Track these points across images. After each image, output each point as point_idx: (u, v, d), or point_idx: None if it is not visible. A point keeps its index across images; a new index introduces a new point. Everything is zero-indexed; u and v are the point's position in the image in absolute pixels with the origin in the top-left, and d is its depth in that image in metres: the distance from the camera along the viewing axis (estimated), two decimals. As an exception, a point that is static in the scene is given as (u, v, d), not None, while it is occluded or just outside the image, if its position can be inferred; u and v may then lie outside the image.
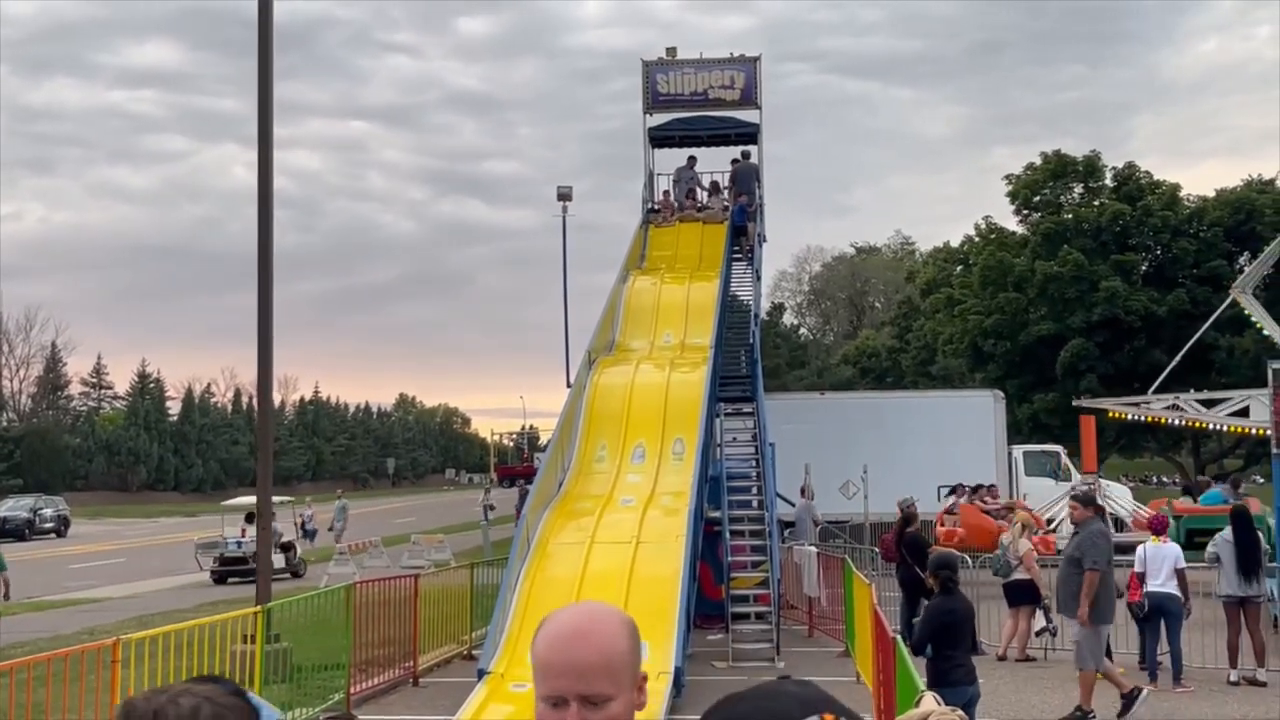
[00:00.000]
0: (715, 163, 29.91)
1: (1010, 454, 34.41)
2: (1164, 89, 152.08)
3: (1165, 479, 78.59)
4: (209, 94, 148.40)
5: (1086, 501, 13.40)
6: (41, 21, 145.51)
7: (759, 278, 27.51)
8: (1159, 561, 15.00)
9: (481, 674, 13.53)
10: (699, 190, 29.28)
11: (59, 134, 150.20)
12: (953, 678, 9.16)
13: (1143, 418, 28.01)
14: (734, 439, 22.13)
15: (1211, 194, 53.25)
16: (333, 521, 42.00)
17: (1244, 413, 25.74)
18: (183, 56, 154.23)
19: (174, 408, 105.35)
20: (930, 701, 6.50)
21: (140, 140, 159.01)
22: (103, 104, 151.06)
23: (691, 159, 29.65)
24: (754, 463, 21.14)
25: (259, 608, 12.72)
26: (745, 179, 28.54)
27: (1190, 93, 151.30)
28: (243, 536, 31.09)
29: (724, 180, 29.33)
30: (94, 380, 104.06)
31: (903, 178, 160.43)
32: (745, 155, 29.36)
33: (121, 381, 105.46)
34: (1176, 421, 28.03)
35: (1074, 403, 31.29)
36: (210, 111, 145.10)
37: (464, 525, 51.36)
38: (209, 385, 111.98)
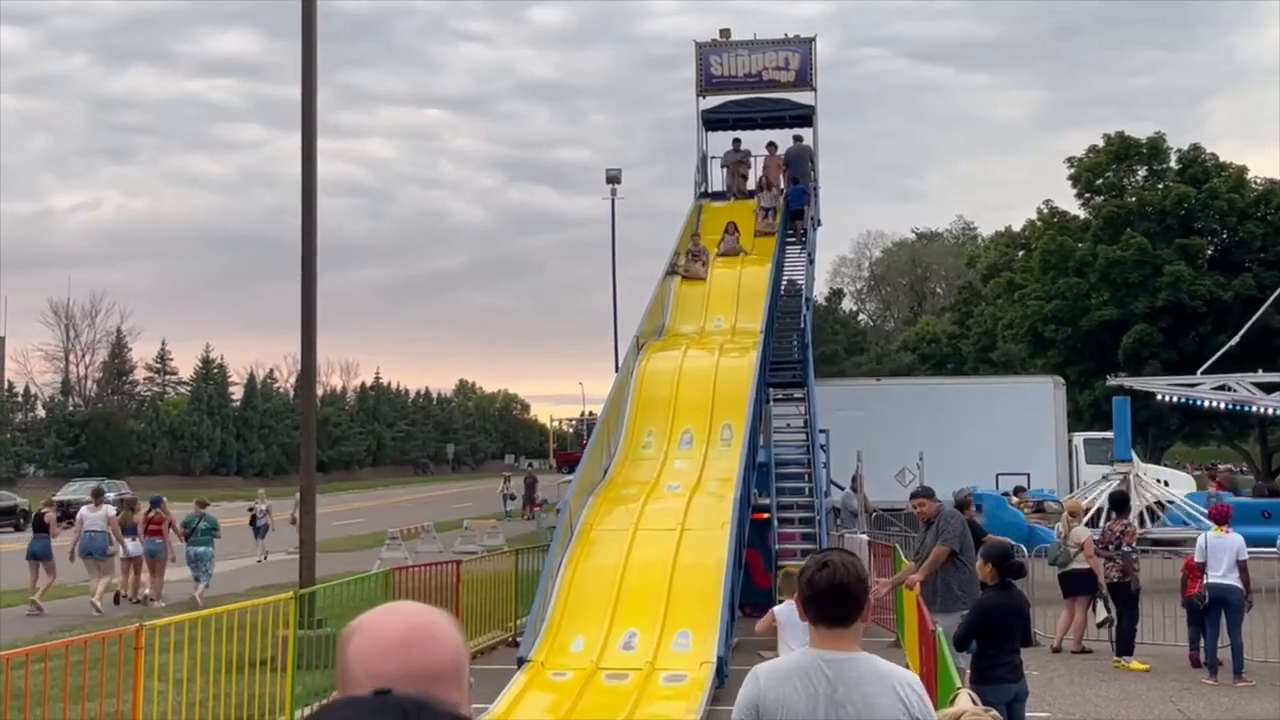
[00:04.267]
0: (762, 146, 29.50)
1: (1071, 441, 33.81)
2: (1240, 73, 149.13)
3: (1233, 467, 77.25)
4: (287, 83, 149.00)
5: (929, 495, 12.97)
6: (123, 12, 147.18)
7: (812, 261, 27.16)
8: (1220, 552, 14.57)
9: (521, 662, 13.37)
10: (749, 174, 28.93)
11: (138, 123, 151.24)
12: (994, 675, 8.81)
13: (1198, 401, 26.92)
14: (786, 425, 21.85)
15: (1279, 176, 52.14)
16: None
17: None
18: (262, 46, 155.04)
19: (237, 393, 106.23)
20: (965, 700, 6.22)
21: (217, 129, 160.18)
22: (181, 93, 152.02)
23: (736, 141, 29.28)
24: (805, 449, 20.87)
25: (293, 593, 12.61)
26: (799, 162, 28.14)
27: (1267, 76, 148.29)
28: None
29: (758, 170, 28.88)
30: (158, 366, 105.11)
31: (972, 162, 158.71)
32: (798, 139, 28.95)
33: (185, 367, 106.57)
34: (1226, 405, 26.98)
35: (1109, 381, 29.78)
36: (286, 100, 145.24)
37: (517, 510, 51.37)
38: (271, 371, 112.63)
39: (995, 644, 8.86)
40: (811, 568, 4.14)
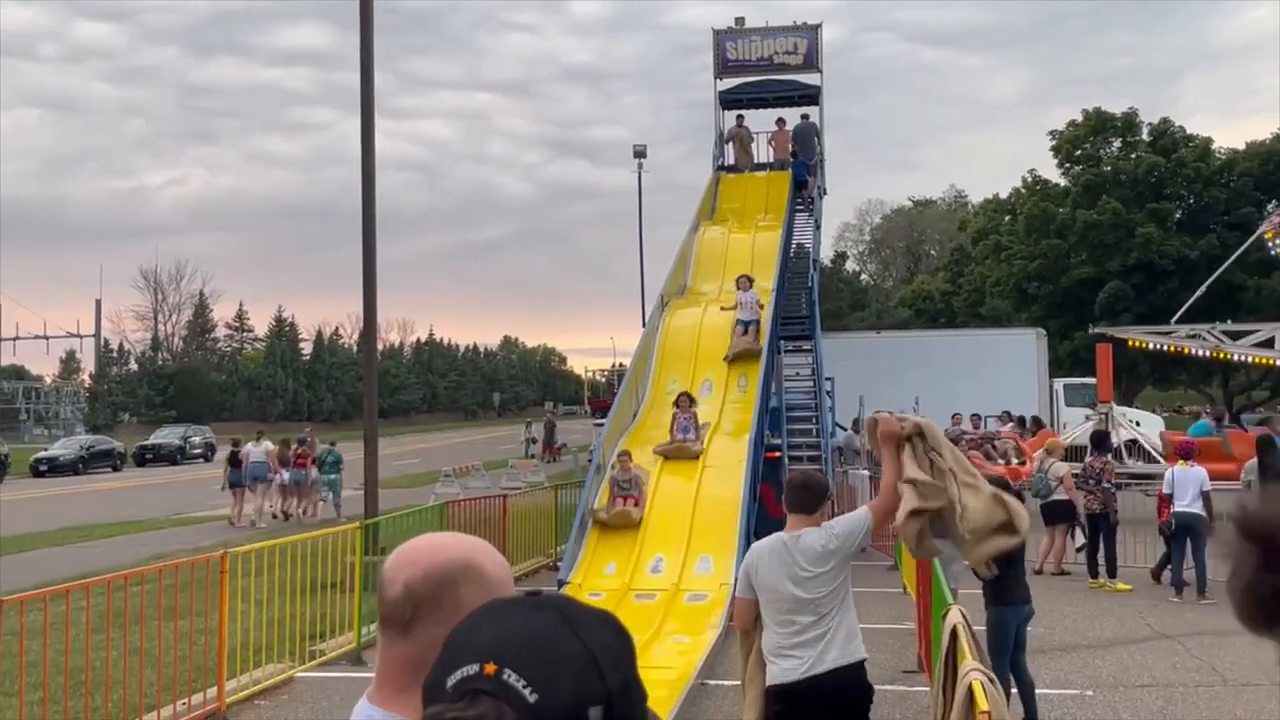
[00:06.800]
0: (765, 123, 29.14)
1: (1052, 387, 33.61)
2: (1213, 53, 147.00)
3: (1197, 409, 76.75)
4: (353, 70, 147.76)
5: None
6: (208, 8, 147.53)
7: (819, 227, 26.95)
8: (1186, 484, 14.57)
9: (561, 584, 13.45)
10: (753, 146, 28.63)
11: (221, 108, 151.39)
12: (1011, 596, 8.67)
13: (1167, 348, 26.35)
14: (796, 374, 21.79)
15: (1242, 146, 51.45)
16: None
17: (1269, 344, 24.53)
18: (331, 38, 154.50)
19: (307, 348, 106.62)
20: (955, 615, 6.23)
21: (292, 112, 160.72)
22: (260, 80, 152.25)
23: (740, 117, 28.98)
24: (813, 395, 20.87)
25: (359, 523, 12.70)
26: (805, 137, 27.91)
27: (1237, 56, 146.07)
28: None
29: (761, 143, 28.54)
30: (237, 324, 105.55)
31: (965, 136, 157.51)
32: (805, 116, 28.72)
33: (261, 325, 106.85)
34: (1199, 351, 26.39)
35: (1091, 329, 29.29)
36: (353, 86, 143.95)
37: (539, 454, 51.40)
38: (337, 328, 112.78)
39: (1010, 567, 8.50)
40: (793, 475, 6.07)
